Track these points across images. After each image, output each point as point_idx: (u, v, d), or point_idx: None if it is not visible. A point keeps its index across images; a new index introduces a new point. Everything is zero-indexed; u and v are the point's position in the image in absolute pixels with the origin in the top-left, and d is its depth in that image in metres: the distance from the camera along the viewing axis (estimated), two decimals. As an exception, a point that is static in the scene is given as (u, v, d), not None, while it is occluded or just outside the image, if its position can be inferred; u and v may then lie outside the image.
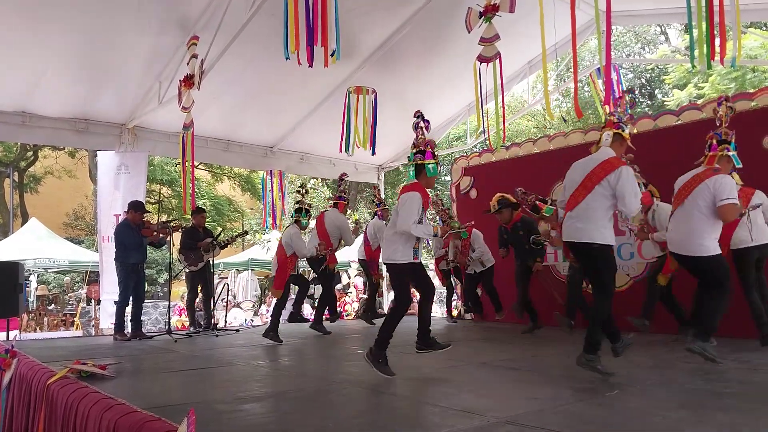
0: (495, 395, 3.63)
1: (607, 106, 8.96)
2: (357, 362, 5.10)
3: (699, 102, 8.74)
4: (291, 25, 5.61)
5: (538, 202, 6.30)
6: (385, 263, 4.43)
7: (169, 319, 8.05)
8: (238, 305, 15.08)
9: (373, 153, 9.12)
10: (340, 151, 9.01)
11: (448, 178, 11.28)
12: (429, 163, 4.26)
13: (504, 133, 6.71)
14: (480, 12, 6.36)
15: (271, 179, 10.62)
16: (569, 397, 3.43)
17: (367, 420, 2.96)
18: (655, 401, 3.27)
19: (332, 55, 5.91)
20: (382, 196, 12.73)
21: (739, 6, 5.39)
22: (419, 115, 4.45)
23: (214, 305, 8.32)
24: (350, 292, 16.59)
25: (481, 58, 6.43)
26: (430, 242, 8.46)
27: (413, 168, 4.29)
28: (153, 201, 22.52)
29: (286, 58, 5.77)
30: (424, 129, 4.39)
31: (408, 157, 4.34)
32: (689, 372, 4.20)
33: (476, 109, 6.88)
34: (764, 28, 16.12)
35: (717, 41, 5.17)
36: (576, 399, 3.38)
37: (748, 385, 3.76)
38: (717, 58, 5.19)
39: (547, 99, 6.57)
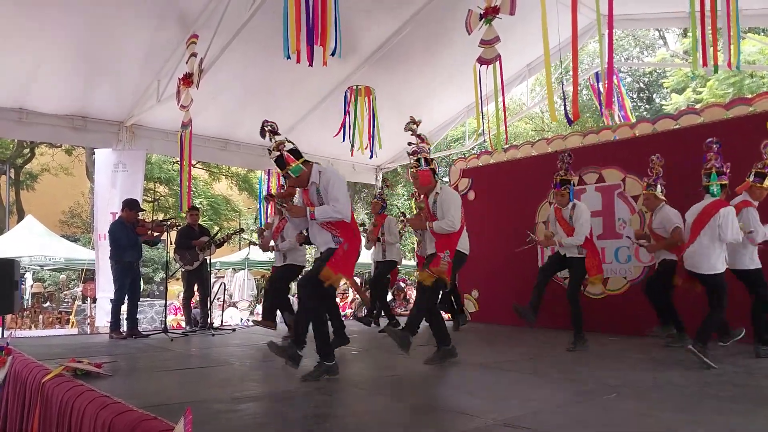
0: (492, 397, 3.62)
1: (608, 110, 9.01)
2: (355, 363, 5.09)
3: (697, 106, 8.77)
4: (291, 23, 5.60)
5: (287, 154, 4.12)
6: (706, 273, 4.81)
7: (165, 317, 8.03)
8: (234, 304, 15.06)
9: (371, 156, 9.15)
10: (355, 151, 8.98)
11: (446, 179, 11.29)
12: (725, 183, 5.09)
13: (506, 136, 6.72)
14: (480, 14, 6.36)
15: (269, 179, 10.61)
16: (567, 399, 3.43)
17: (363, 420, 2.95)
18: (651, 403, 3.27)
19: (332, 55, 5.91)
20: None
21: (736, 11, 5.40)
22: (717, 141, 5.13)
23: (211, 304, 8.30)
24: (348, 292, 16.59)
25: (481, 60, 6.44)
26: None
27: (718, 186, 5.06)
28: (150, 199, 22.49)
29: (286, 57, 5.76)
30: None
31: (711, 175, 5.07)
32: (686, 374, 4.21)
33: (476, 111, 6.88)
34: (762, 34, 16.17)
35: (719, 45, 5.19)
36: (573, 401, 3.38)
37: (744, 388, 3.77)
38: (720, 62, 5.22)
39: (551, 101, 6.57)
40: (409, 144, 5.13)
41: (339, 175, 4.14)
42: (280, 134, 4.23)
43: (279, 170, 4.24)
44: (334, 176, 4.10)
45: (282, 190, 5.01)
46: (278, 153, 4.11)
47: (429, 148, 5.16)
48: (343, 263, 4.01)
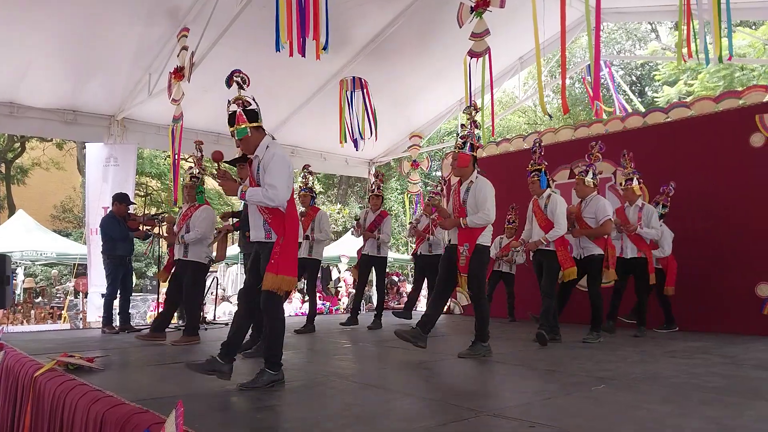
0: (482, 388, 3.66)
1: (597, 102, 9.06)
2: (345, 356, 5.11)
3: (688, 100, 8.81)
4: (282, 16, 5.59)
5: (240, 111, 3.60)
6: None
7: (158, 311, 8.01)
8: (227, 299, 15.04)
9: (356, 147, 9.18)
10: (347, 144, 8.98)
11: (439, 173, 11.33)
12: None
13: (492, 129, 6.72)
14: (471, 7, 6.37)
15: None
16: (556, 391, 3.46)
17: (355, 413, 2.97)
18: (640, 395, 3.30)
19: (324, 49, 5.90)
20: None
21: (727, 3, 5.42)
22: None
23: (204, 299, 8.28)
24: (340, 287, 16.61)
25: (472, 53, 6.45)
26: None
27: None
28: (142, 194, 22.38)
29: (277, 50, 5.75)
30: None
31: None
32: (675, 366, 4.25)
33: (466, 104, 6.89)
34: (753, 27, 16.24)
35: (710, 38, 5.21)
36: (563, 392, 3.41)
37: (732, 379, 3.80)
38: (711, 55, 5.24)
39: (541, 94, 6.59)
40: (462, 126, 5.10)
41: (284, 157, 3.60)
42: (245, 89, 3.69)
43: (229, 128, 3.68)
44: (278, 156, 3.55)
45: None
46: (233, 108, 3.59)
47: (478, 136, 5.09)
48: (284, 262, 3.53)
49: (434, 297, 5.05)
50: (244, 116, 3.57)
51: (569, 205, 6.10)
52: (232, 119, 3.59)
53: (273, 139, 3.72)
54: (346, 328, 7.33)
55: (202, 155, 6.25)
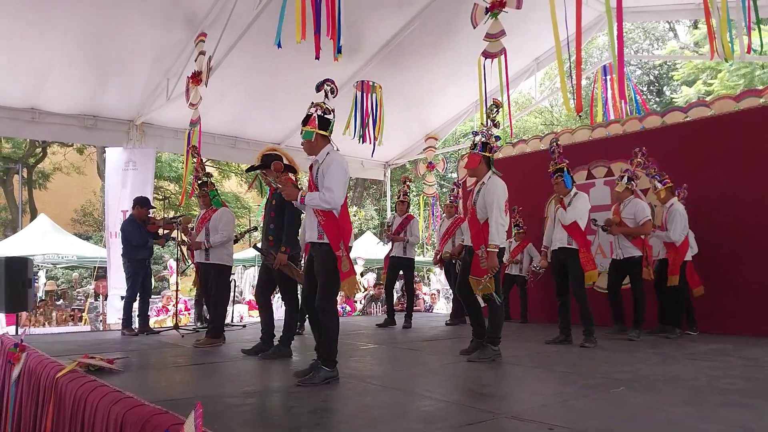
0: (499, 391, 3.64)
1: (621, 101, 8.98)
2: (363, 358, 5.12)
3: (707, 99, 8.70)
4: (298, 15, 5.61)
5: (315, 115, 3.88)
6: None
7: (176, 314, 8.10)
8: (243, 301, 15.11)
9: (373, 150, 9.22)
10: (362, 147, 9.08)
11: (454, 174, 11.33)
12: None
13: (512, 130, 6.71)
14: (486, 8, 6.35)
15: (278, 175, 10.68)
16: (574, 393, 3.43)
17: (372, 414, 2.98)
18: (659, 397, 3.27)
19: (339, 53, 5.92)
20: (389, 193, 12.79)
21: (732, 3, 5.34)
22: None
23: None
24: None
25: (486, 54, 6.43)
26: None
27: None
28: (160, 197, 22.60)
29: (276, 44, 5.79)
30: None
31: None
32: (694, 368, 4.20)
33: (480, 105, 6.87)
34: (774, 25, 15.98)
35: (733, 33, 5.14)
36: (580, 395, 3.38)
37: (753, 381, 3.75)
38: (736, 52, 5.17)
39: (564, 93, 6.56)
40: (482, 125, 5.02)
41: (343, 164, 3.80)
42: (329, 99, 3.96)
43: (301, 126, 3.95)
44: (336, 163, 3.77)
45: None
46: (312, 111, 3.86)
47: (497, 136, 4.90)
48: (345, 269, 3.75)
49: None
50: (317, 122, 3.84)
51: (611, 217, 6.23)
52: (306, 120, 3.87)
53: (336, 150, 3.94)
54: (379, 329, 7.47)
55: (202, 162, 6.51)
